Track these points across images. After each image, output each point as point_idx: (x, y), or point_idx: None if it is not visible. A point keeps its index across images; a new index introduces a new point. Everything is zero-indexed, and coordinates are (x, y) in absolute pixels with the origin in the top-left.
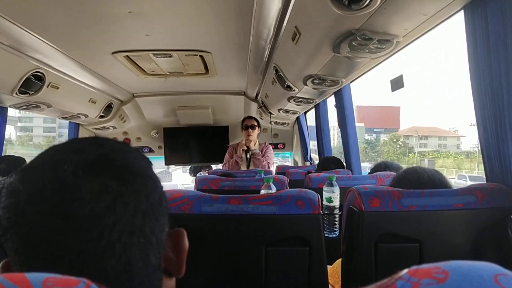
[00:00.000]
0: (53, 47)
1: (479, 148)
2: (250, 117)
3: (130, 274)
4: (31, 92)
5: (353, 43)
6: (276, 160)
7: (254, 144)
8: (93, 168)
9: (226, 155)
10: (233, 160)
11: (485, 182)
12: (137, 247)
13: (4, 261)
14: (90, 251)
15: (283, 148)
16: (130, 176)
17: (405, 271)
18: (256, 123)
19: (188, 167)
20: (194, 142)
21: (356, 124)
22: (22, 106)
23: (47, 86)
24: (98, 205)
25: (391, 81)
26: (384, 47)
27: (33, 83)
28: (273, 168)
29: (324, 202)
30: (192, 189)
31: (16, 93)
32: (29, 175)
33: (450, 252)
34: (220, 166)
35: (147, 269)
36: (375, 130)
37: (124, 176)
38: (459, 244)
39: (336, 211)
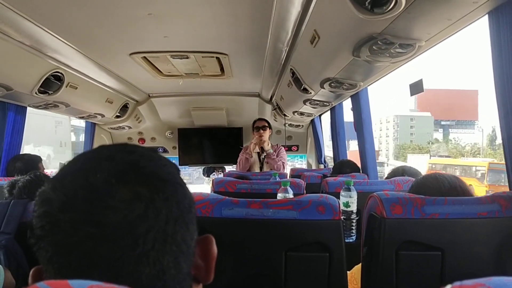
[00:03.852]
0: (73, 47)
1: (503, 155)
2: (261, 119)
3: (163, 282)
4: (50, 92)
5: (373, 47)
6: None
7: (267, 145)
8: (124, 176)
9: (240, 156)
10: (243, 157)
11: (509, 190)
12: (170, 255)
13: (35, 268)
14: (124, 259)
15: (297, 150)
16: (161, 183)
17: (448, 287)
18: (266, 124)
19: (205, 180)
20: (208, 143)
21: (420, 114)
22: (41, 106)
23: (66, 86)
24: (131, 213)
25: (410, 85)
26: (405, 51)
27: (52, 83)
28: (287, 170)
29: (341, 207)
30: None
31: (35, 93)
32: (61, 183)
33: (472, 261)
34: (232, 167)
35: (179, 276)
36: (442, 122)
37: (155, 183)
38: (482, 253)
39: (353, 216)
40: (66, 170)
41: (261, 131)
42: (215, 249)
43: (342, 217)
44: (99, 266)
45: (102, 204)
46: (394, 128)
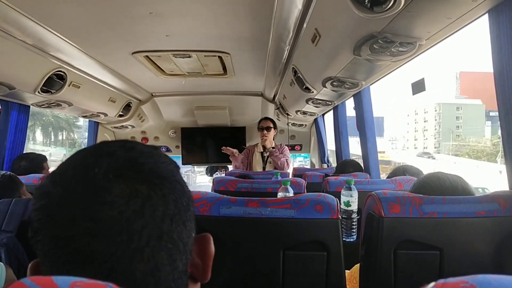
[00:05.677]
0: (75, 46)
1: (503, 154)
2: (267, 118)
3: (157, 279)
4: (53, 91)
5: (374, 45)
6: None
7: (270, 144)
8: (123, 172)
9: (241, 155)
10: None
11: (509, 190)
12: (165, 252)
13: (34, 261)
14: (119, 255)
15: (300, 149)
16: (159, 181)
17: (431, 284)
18: (272, 125)
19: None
20: (211, 142)
21: (468, 102)
22: (44, 105)
23: (69, 85)
24: (127, 209)
25: (412, 84)
26: (406, 50)
27: (55, 82)
28: (290, 169)
29: (342, 206)
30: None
31: (38, 92)
32: (60, 177)
33: (471, 261)
34: None
35: (174, 274)
36: (491, 113)
37: (153, 180)
38: (481, 253)
39: (354, 215)
40: (66, 164)
41: (265, 131)
42: (212, 248)
43: (343, 216)
44: (94, 261)
45: (99, 200)
46: (435, 120)
